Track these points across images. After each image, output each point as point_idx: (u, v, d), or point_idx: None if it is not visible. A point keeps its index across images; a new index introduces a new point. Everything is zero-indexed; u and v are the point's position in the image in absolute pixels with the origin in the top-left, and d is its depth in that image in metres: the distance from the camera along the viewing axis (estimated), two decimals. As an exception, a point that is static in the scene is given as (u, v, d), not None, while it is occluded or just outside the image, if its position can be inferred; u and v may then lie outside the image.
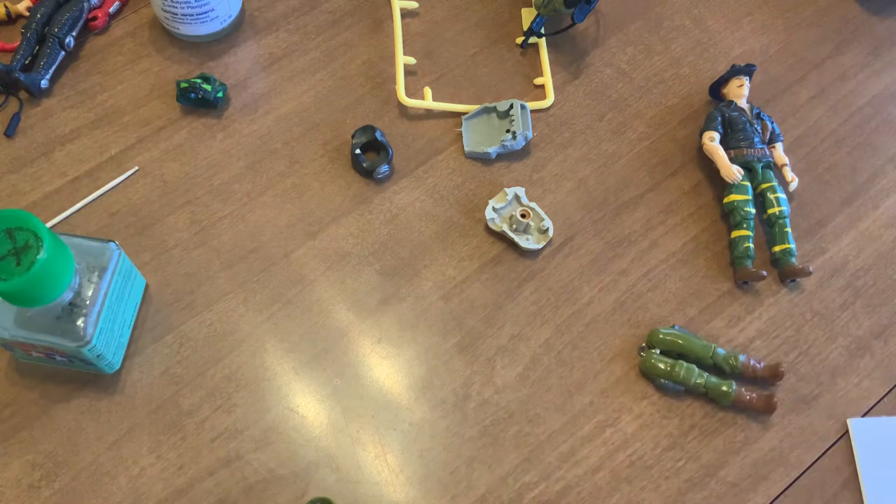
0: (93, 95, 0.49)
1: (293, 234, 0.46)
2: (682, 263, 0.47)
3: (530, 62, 0.53)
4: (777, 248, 0.47)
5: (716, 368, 0.43)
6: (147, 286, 0.43)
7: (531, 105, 0.50)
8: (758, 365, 0.43)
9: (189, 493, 0.39)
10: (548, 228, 0.46)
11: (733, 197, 0.47)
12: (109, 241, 0.39)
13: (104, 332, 0.38)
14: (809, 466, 0.42)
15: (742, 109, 0.49)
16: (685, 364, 0.42)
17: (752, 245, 0.46)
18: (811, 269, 0.46)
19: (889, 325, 0.46)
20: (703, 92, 0.52)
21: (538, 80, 0.52)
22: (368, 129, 0.47)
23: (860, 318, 0.46)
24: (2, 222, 0.33)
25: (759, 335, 0.45)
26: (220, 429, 0.40)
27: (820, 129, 0.51)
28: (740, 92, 0.50)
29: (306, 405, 0.41)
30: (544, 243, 0.46)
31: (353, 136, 0.47)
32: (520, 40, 0.53)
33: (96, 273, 0.38)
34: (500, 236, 0.46)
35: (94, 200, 0.46)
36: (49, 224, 0.44)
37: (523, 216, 0.45)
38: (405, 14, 0.54)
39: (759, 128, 0.49)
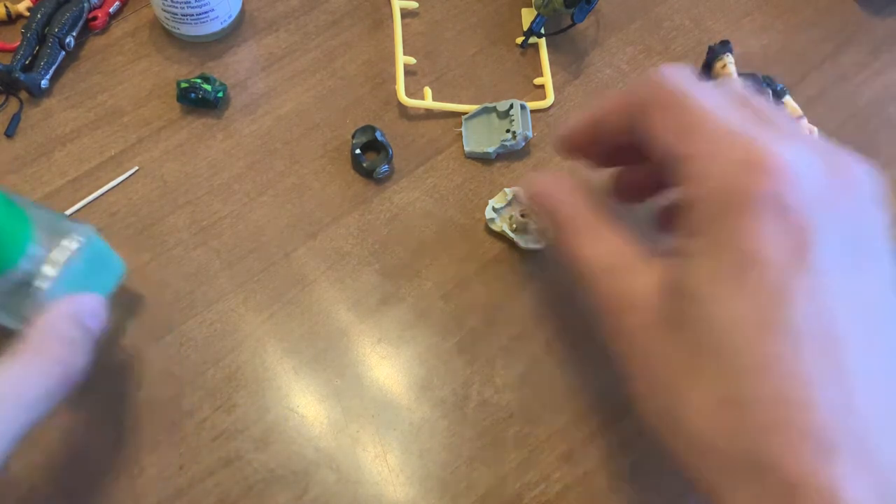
0: (93, 95, 0.49)
1: (293, 234, 0.46)
2: (682, 263, 0.47)
3: (530, 62, 0.53)
4: None
5: None
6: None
7: (531, 105, 0.50)
8: None
9: (189, 493, 0.39)
10: (548, 228, 0.46)
11: None
12: (84, 223, 0.37)
13: None
14: (809, 466, 0.42)
15: None
16: None
17: None
18: None
19: (889, 325, 0.46)
20: (703, 92, 0.52)
21: (538, 80, 0.52)
22: (368, 129, 0.47)
23: (860, 318, 0.46)
24: None
25: (759, 335, 0.45)
26: (220, 429, 0.40)
27: (820, 130, 0.51)
28: (727, 72, 0.50)
29: (306, 405, 0.41)
30: (544, 243, 0.46)
31: (353, 136, 0.47)
32: (520, 40, 0.53)
33: (63, 254, 0.36)
34: (501, 236, 0.46)
35: (94, 200, 0.46)
36: (49, 224, 0.44)
37: (523, 216, 0.45)
38: (405, 14, 0.54)
39: None
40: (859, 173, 0.31)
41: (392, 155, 0.47)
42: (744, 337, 0.27)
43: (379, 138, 0.47)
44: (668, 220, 0.37)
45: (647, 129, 0.32)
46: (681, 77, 0.32)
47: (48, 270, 0.35)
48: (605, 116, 0.35)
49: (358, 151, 0.47)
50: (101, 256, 0.39)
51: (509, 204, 0.47)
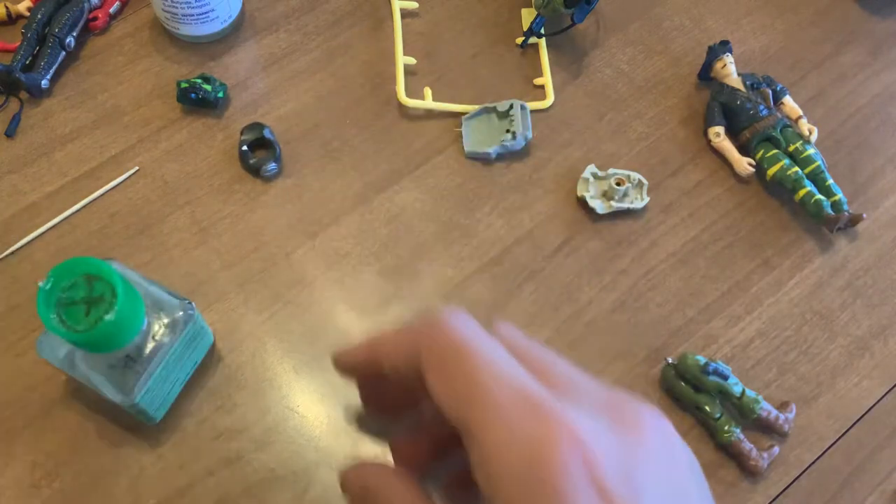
0: (93, 95, 0.49)
1: (293, 234, 0.46)
2: (682, 263, 0.47)
3: (530, 62, 0.53)
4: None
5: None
6: (214, 343, 0.42)
7: (531, 105, 0.50)
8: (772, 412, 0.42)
9: (189, 493, 0.39)
10: (639, 180, 0.48)
11: (774, 170, 0.48)
12: (185, 299, 0.38)
13: (152, 391, 0.37)
14: (809, 466, 0.42)
15: (736, 88, 0.49)
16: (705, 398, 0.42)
17: (819, 196, 0.47)
18: (864, 214, 0.47)
19: (889, 325, 0.46)
20: (704, 92, 0.52)
21: (538, 81, 0.52)
22: (256, 127, 0.47)
23: (860, 318, 0.46)
24: (83, 267, 0.32)
25: (759, 335, 0.45)
26: (220, 429, 0.40)
27: (820, 130, 0.51)
28: (727, 72, 0.50)
29: (306, 405, 0.41)
30: (647, 200, 0.47)
31: (241, 133, 0.47)
32: (520, 40, 0.53)
33: (163, 330, 0.37)
34: (501, 237, 0.46)
35: (94, 200, 0.46)
36: (49, 224, 0.44)
37: (619, 184, 0.47)
38: (405, 14, 0.54)
39: (759, 98, 0.49)
40: (647, 421, 0.29)
41: (280, 153, 0.47)
42: None
43: (267, 136, 0.47)
44: (464, 488, 0.33)
45: (427, 385, 0.28)
46: (458, 327, 0.28)
47: (151, 346, 0.36)
48: (383, 351, 0.31)
49: (245, 148, 0.46)
50: (197, 330, 0.39)
51: (594, 182, 0.48)
